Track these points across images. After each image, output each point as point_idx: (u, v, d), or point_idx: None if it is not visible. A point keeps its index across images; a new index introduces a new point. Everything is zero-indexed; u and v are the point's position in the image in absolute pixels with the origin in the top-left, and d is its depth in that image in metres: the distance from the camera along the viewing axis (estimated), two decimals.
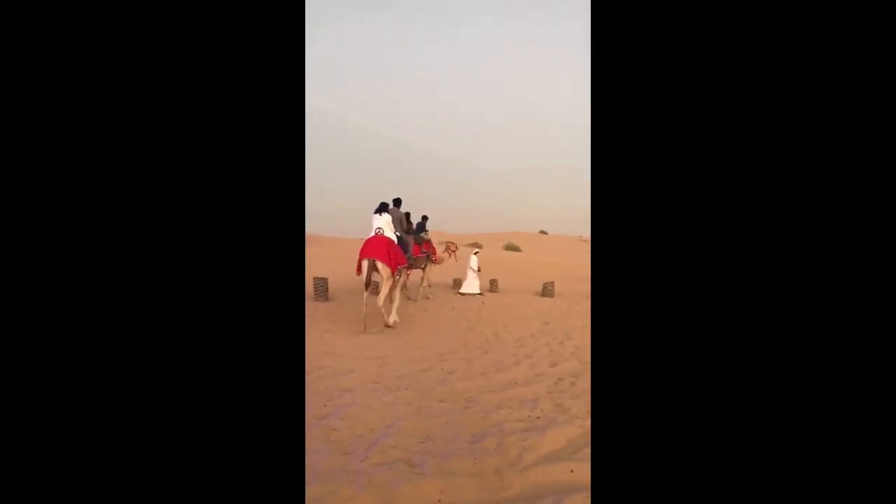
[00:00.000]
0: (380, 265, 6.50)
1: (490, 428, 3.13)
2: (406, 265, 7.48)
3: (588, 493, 2.29)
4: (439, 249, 12.54)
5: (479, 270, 11.56)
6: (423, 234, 10.32)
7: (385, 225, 6.83)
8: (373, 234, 6.75)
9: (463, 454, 2.70)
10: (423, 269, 10.59)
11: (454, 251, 12.10)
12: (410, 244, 8.03)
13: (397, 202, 7.72)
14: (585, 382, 4.29)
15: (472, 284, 11.36)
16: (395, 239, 6.91)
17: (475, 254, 11.79)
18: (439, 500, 2.24)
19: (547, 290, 11.95)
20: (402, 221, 7.65)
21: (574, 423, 3.21)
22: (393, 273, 6.64)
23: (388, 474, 2.42)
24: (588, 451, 2.80)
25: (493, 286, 12.35)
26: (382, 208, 6.93)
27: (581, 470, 2.54)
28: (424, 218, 10.41)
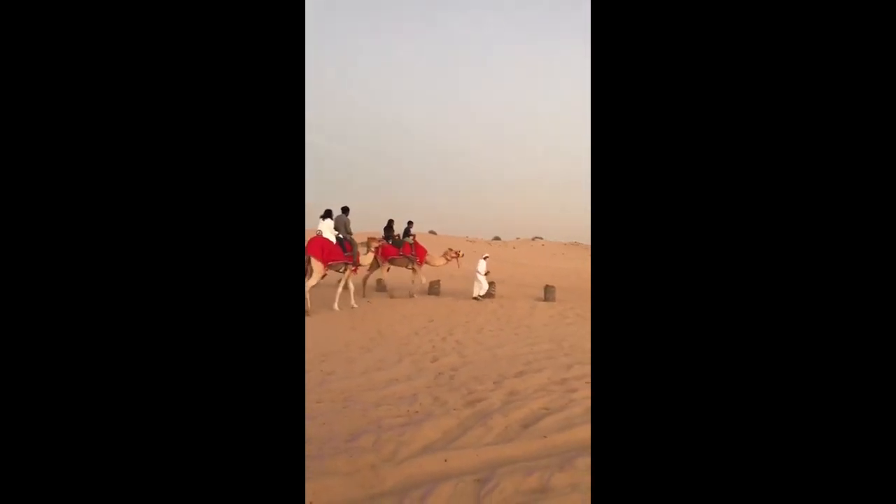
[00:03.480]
0: (313, 260, 8.12)
1: (368, 426, 3.12)
2: (342, 261, 8.83)
3: (458, 481, 2.38)
4: (437, 254, 12.53)
5: (487, 273, 11.41)
6: (406, 238, 11.21)
7: (325, 228, 8.59)
8: (315, 235, 8.45)
9: (338, 454, 2.66)
10: (411, 269, 11.30)
11: (455, 257, 11.91)
12: (355, 244, 9.31)
13: (345, 210, 9.30)
14: (464, 375, 4.45)
15: (478, 288, 11.22)
16: (332, 239, 8.62)
17: (484, 259, 11.74)
18: (311, 502, 2.19)
19: (433, 289, 12.22)
20: (347, 226, 9.19)
21: (450, 415, 3.27)
22: (324, 267, 8.30)
23: None
24: (463, 439, 2.91)
25: (378, 284, 12.35)
26: (326, 214, 8.76)
27: (455, 458, 2.64)
28: (409, 223, 11.38)
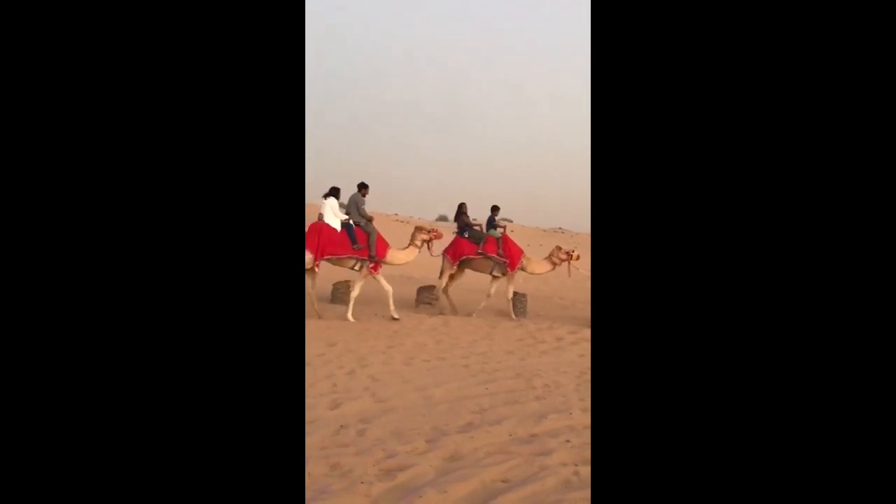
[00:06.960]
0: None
1: None
2: (348, 255, 6.98)
3: None
4: (539, 255, 9.08)
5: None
6: (491, 231, 8.18)
7: (327, 210, 6.94)
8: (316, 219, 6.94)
9: None
10: (494, 276, 8.15)
11: (566, 259, 8.35)
12: (373, 233, 7.21)
13: (361, 187, 7.37)
14: (380, 429, 3.13)
15: None
16: (335, 225, 6.92)
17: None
18: None
19: (339, 294, 8.38)
20: (360, 207, 7.27)
21: (356, 493, 2.31)
22: (315, 261, 6.72)
23: None
24: None
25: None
26: (331, 192, 7.09)
27: None
28: (494, 209, 8.34)
